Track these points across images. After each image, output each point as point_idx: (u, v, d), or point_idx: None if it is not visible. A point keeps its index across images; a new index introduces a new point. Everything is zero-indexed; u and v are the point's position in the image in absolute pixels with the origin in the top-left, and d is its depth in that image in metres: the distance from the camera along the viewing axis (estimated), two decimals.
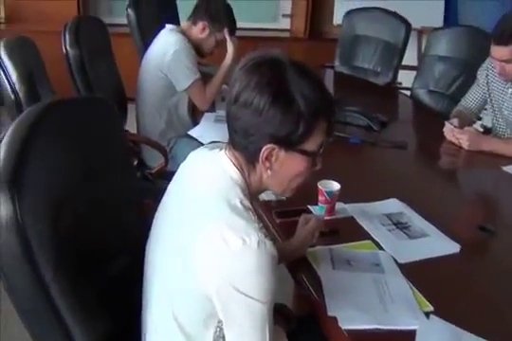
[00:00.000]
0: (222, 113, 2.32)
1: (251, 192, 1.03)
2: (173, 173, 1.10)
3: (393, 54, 3.29)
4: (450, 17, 4.33)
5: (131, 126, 2.52)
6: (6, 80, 1.33)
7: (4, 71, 1.34)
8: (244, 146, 0.99)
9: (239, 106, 0.96)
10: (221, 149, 1.07)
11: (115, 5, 4.45)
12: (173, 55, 2.18)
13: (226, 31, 2.32)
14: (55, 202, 0.93)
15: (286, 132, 0.95)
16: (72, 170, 1.01)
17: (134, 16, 2.76)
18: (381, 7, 3.41)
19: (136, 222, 1.22)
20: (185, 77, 2.21)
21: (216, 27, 2.30)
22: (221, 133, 2.11)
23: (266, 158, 0.98)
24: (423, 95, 3.09)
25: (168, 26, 2.32)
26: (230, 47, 2.33)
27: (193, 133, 2.17)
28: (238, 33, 5.23)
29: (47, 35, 3.95)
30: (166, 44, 2.24)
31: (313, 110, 0.95)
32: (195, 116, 2.38)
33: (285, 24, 4.95)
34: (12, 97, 1.31)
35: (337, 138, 2.06)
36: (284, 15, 4.92)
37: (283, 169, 1.01)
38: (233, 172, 1.01)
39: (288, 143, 0.97)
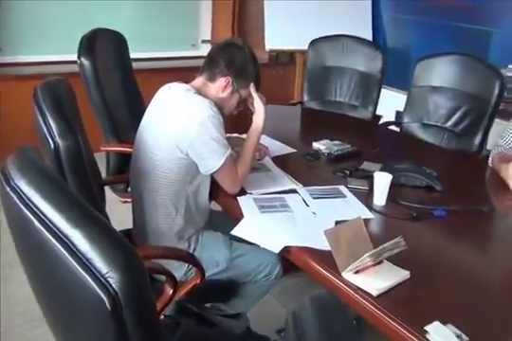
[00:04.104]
0: (258, 195, 1.72)
1: None
2: None
3: (371, 85, 2.98)
4: (379, 37, 4.19)
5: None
6: None
7: None
8: None
9: None
10: None
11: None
12: (200, 127, 1.55)
13: (252, 87, 1.75)
14: None
15: None
16: None
17: (89, 66, 2.06)
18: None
19: None
20: (215, 156, 1.58)
21: (241, 83, 1.72)
22: (278, 228, 1.53)
23: None
24: (416, 129, 2.82)
25: (181, 86, 1.68)
26: (260, 106, 1.75)
27: (239, 232, 1.53)
28: (152, 65, 4.54)
29: None
30: (188, 112, 1.59)
31: None
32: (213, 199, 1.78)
33: (206, 51, 4.41)
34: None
35: (415, 215, 1.64)
36: (204, 41, 4.38)
37: None
38: None
39: None
